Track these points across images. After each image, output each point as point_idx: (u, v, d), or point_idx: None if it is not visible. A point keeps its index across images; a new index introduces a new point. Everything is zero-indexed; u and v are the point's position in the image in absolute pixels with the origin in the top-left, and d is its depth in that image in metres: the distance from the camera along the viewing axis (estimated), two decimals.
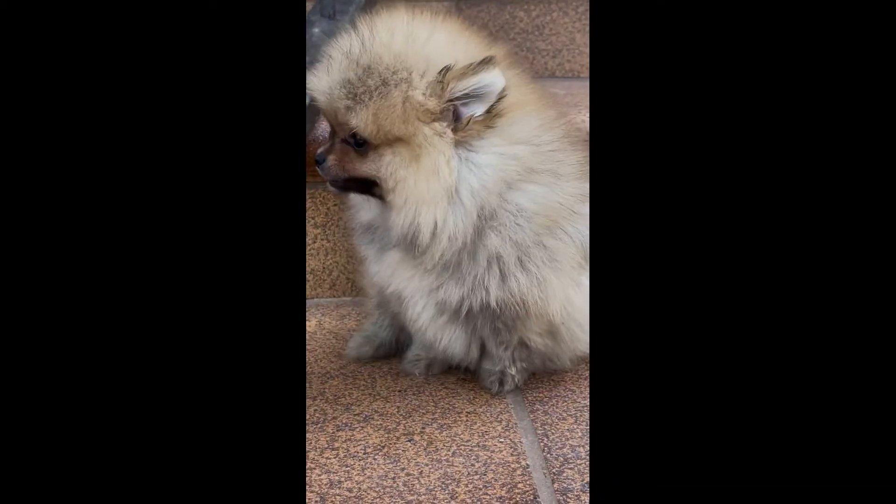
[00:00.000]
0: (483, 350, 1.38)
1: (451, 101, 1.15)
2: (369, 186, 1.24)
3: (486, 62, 1.13)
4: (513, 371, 1.37)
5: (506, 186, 1.19)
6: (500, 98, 1.16)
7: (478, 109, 1.16)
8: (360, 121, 1.17)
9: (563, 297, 1.28)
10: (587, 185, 1.24)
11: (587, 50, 2.23)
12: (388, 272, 1.31)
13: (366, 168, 1.21)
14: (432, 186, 1.17)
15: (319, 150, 1.26)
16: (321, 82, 1.22)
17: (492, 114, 1.16)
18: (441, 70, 1.14)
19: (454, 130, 1.16)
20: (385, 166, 1.19)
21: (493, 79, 1.14)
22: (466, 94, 1.15)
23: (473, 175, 1.18)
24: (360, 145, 1.20)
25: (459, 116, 1.16)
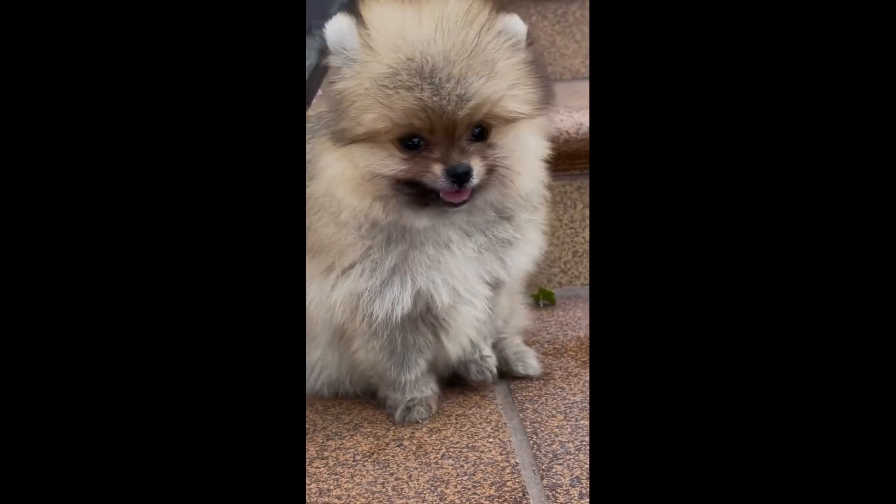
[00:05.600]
0: None
1: None
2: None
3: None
4: (487, 351, 1.34)
5: None
6: None
7: None
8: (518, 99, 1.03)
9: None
10: None
11: (568, 52, 2.24)
12: (455, 268, 1.17)
13: (498, 156, 1.05)
14: (543, 147, 1.12)
15: (448, 166, 1.01)
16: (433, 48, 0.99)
17: None
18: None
19: None
20: (515, 141, 1.06)
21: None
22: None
23: None
24: (483, 135, 1.03)
25: None
